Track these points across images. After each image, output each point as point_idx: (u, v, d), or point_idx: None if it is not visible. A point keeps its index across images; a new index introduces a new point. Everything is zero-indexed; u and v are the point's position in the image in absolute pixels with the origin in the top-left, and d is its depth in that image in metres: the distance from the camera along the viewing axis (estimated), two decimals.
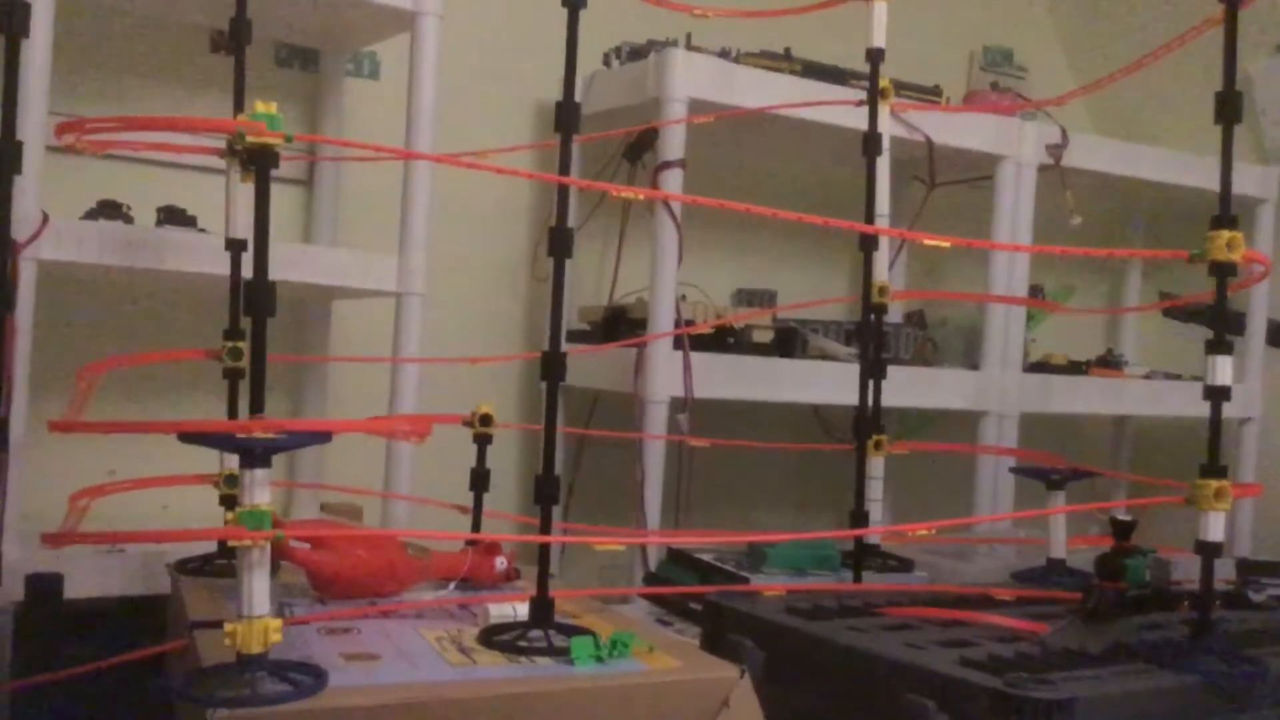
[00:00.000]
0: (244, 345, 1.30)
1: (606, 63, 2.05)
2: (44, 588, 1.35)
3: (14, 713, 1.17)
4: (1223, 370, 1.14)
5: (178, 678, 0.94)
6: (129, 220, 1.54)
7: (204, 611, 1.10)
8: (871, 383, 1.62)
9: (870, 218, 1.62)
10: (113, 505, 1.25)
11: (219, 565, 1.31)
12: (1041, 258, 2.32)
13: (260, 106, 0.95)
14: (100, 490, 1.23)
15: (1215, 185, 1.17)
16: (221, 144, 1.28)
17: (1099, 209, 2.62)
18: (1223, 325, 1.14)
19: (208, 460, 1.35)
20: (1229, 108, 1.15)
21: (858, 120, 1.66)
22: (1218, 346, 1.14)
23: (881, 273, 1.62)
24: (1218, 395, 1.14)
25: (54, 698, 1.15)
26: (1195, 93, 1.33)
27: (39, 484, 1.45)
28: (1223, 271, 1.13)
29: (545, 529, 1.09)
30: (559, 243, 1.10)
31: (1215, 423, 1.14)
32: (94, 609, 1.41)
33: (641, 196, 1.20)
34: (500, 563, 1.30)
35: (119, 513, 1.32)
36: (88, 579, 1.43)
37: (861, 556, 1.57)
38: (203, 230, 1.57)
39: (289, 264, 1.58)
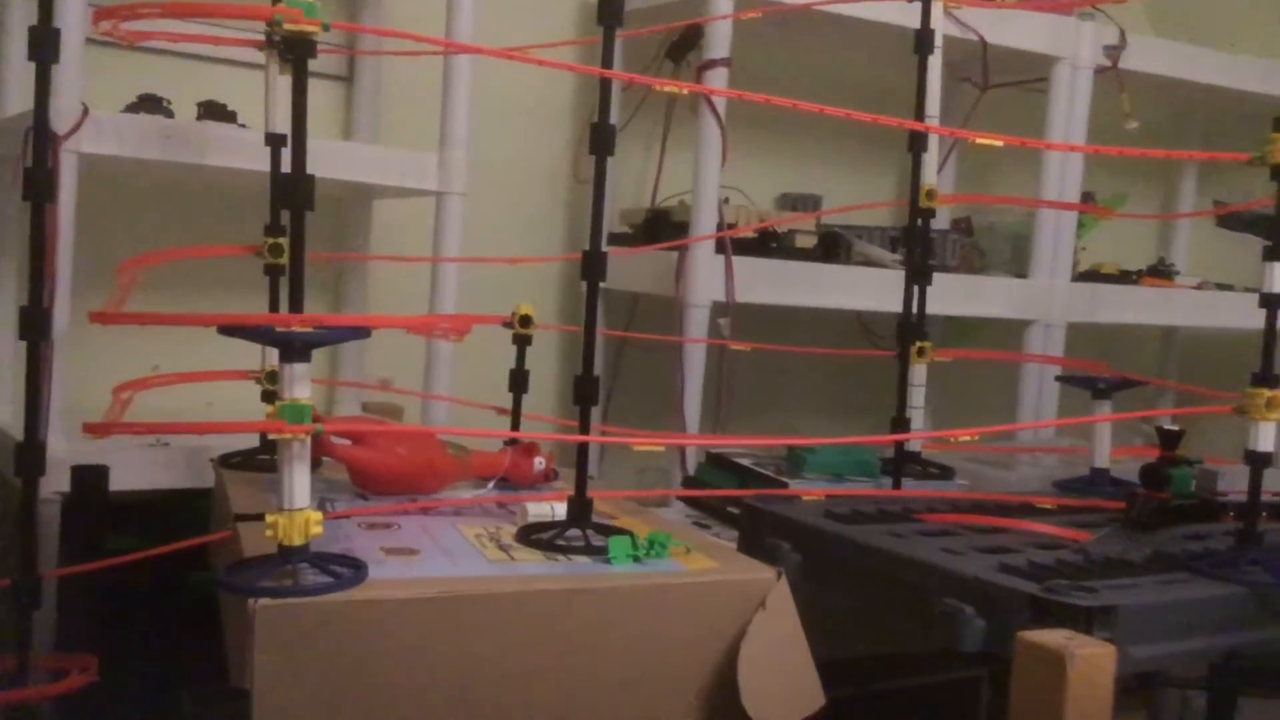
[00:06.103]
0: (284, 241, 1.29)
1: None
2: (89, 479, 1.36)
3: (60, 601, 1.19)
4: None
5: (221, 568, 0.95)
6: (169, 114, 1.53)
7: (247, 504, 1.11)
8: (916, 289, 1.59)
9: (920, 119, 1.58)
10: (158, 402, 1.26)
11: (261, 460, 1.32)
12: (1094, 165, 2.27)
13: None
14: (143, 383, 1.24)
15: (1277, 90, 1.12)
16: (261, 37, 1.27)
17: (1155, 114, 2.55)
18: None
19: (250, 358, 1.36)
20: None
21: (909, 17, 1.61)
22: (1276, 253, 1.11)
23: (930, 175, 1.59)
24: (1274, 303, 1.11)
25: (99, 587, 1.17)
26: None
27: (85, 379, 1.46)
28: None
29: (584, 429, 1.09)
30: (601, 138, 1.08)
31: (1270, 330, 1.11)
32: (139, 501, 1.43)
33: (685, 90, 1.18)
34: (539, 463, 1.30)
35: (164, 409, 1.33)
36: (132, 472, 1.45)
37: (901, 463, 1.56)
38: (243, 126, 1.56)
39: (329, 160, 1.56)
